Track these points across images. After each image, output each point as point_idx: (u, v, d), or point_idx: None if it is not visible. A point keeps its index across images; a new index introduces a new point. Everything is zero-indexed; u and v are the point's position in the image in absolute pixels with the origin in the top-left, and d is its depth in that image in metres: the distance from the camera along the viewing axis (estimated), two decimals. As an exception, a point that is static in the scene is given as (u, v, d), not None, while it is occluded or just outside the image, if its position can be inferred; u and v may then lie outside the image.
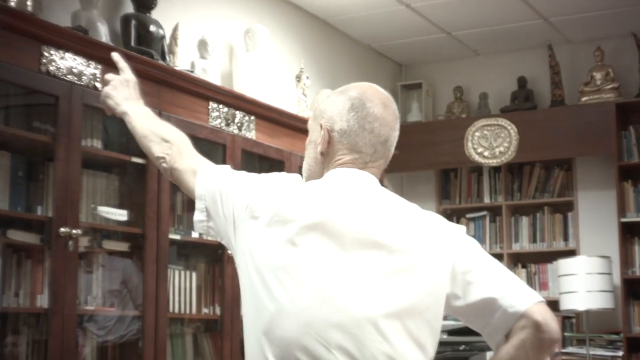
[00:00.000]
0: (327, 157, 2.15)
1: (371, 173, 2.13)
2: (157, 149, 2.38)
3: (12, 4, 4.03)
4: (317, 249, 1.95)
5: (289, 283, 1.94)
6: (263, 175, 2.17)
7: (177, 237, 4.84)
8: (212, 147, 5.16)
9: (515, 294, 2.01)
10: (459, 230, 2.12)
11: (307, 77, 6.42)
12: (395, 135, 2.17)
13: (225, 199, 2.13)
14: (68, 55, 4.15)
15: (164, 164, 2.34)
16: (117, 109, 2.51)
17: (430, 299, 2.00)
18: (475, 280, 2.02)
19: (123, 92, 2.51)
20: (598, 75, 7.32)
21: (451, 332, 4.62)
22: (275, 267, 1.96)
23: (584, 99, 7.30)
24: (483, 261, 2.06)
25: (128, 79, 2.54)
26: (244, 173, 2.20)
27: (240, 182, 2.14)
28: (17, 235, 3.98)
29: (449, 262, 2.03)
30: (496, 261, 2.09)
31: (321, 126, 2.15)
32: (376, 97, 2.15)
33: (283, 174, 2.17)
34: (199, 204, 2.20)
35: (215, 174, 2.21)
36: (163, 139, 2.39)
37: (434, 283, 2.01)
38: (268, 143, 5.50)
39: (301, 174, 2.25)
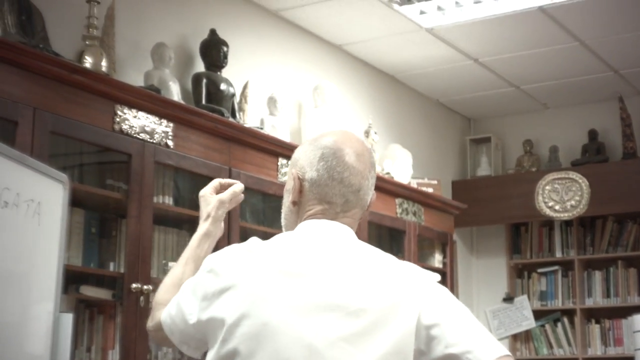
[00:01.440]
0: (299, 207, 2.11)
1: (344, 223, 2.07)
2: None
3: (88, 64, 4.13)
4: (274, 316, 1.89)
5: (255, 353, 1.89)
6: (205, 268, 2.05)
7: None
8: (282, 203, 5.18)
9: (480, 348, 1.91)
10: (428, 280, 2.02)
11: (376, 133, 6.45)
12: (367, 183, 2.10)
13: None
14: (141, 114, 4.24)
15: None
16: (202, 215, 2.44)
17: (396, 358, 1.92)
18: (439, 335, 1.93)
19: (212, 208, 2.43)
20: (671, 127, 7.23)
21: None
22: (238, 336, 1.91)
23: (656, 151, 7.21)
24: (449, 314, 1.97)
25: (224, 201, 2.43)
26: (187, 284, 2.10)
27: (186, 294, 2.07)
28: (89, 291, 4.04)
29: (414, 316, 1.95)
30: (465, 312, 1.99)
31: (293, 175, 2.12)
32: (348, 145, 2.09)
33: (232, 246, 2.07)
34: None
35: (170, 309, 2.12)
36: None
37: (399, 342, 1.93)
38: (337, 198, 5.51)
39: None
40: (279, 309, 1.90)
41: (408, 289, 1.98)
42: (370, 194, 2.13)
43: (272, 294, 1.91)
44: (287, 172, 2.19)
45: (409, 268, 2.05)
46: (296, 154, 2.16)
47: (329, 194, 2.06)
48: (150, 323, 2.20)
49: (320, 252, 2.00)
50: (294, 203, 2.11)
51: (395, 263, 2.05)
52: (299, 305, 1.91)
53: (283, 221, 2.18)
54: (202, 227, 2.40)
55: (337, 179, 2.06)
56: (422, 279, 2.02)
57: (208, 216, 2.40)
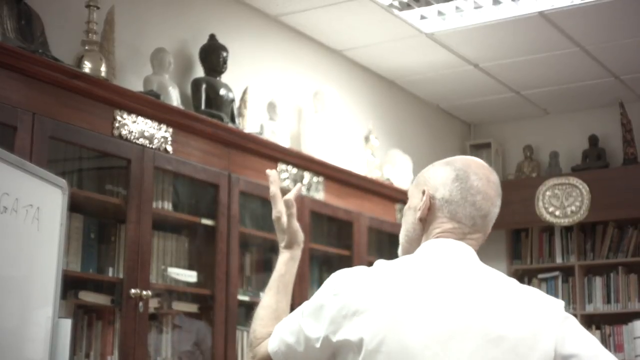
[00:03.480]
0: (426, 224, 2.13)
1: (469, 245, 2.11)
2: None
3: (87, 70, 4.13)
4: (414, 342, 1.90)
5: None
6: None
7: (245, 298, 4.85)
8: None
9: None
10: (559, 308, 2.06)
11: (376, 138, 6.44)
12: (495, 211, 2.15)
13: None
14: (140, 119, 4.23)
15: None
16: (281, 240, 2.43)
17: None
18: None
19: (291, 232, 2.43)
20: (671, 133, 7.22)
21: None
22: None
23: (657, 157, 7.20)
24: (585, 344, 2.02)
25: (280, 211, 2.42)
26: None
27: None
28: (88, 297, 4.03)
29: (551, 345, 1.98)
30: (597, 342, 2.05)
31: (423, 192, 2.13)
32: (481, 171, 2.13)
33: (357, 268, 2.07)
34: None
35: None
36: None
37: None
38: (336, 204, 5.51)
39: (394, 239, 2.25)
40: (419, 335, 1.90)
41: (544, 317, 2.01)
42: (494, 222, 2.18)
43: (410, 319, 1.92)
44: (410, 192, 2.21)
45: (538, 294, 2.08)
46: (426, 174, 2.18)
47: (459, 214, 2.10)
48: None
49: (452, 274, 2.02)
50: (421, 220, 2.13)
51: (522, 288, 2.08)
52: (438, 331, 1.92)
53: (403, 238, 2.20)
54: (285, 254, 2.42)
55: (469, 201, 2.10)
56: (554, 306, 2.06)
57: (290, 242, 2.42)
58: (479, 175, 2.12)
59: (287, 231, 2.40)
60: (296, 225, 2.42)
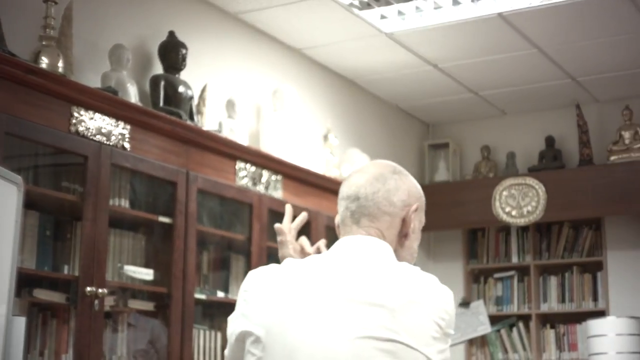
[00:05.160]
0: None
1: (357, 233, 2.12)
2: None
3: (44, 65, 4.09)
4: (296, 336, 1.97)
5: None
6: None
7: (202, 296, 4.84)
8: (239, 206, 5.19)
9: None
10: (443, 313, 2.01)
11: (335, 137, 6.45)
12: (367, 191, 2.13)
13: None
14: (97, 115, 4.20)
15: None
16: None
17: None
18: None
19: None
20: (627, 134, 7.30)
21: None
22: None
23: (612, 158, 7.27)
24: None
25: (284, 241, 2.47)
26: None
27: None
28: (43, 295, 4.00)
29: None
30: None
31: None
32: (361, 168, 2.22)
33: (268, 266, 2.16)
34: None
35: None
36: None
37: None
38: (295, 202, 5.50)
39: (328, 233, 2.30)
40: (302, 329, 1.96)
41: (425, 331, 1.96)
42: (381, 201, 2.13)
43: (298, 313, 1.98)
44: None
45: (428, 286, 2.03)
46: None
47: (341, 215, 2.17)
48: None
49: (346, 270, 2.04)
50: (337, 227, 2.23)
51: (417, 280, 2.03)
52: (320, 325, 1.95)
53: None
54: None
55: (342, 197, 2.18)
56: (441, 305, 2.01)
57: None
58: (354, 171, 2.22)
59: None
60: (292, 249, 2.47)
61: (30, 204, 3.89)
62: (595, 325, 6.79)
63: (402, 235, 2.16)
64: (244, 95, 5.74)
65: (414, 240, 2.19)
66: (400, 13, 5.84)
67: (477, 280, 7.83)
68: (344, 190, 2.18)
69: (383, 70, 6.91)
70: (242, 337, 2.04)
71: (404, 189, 2.17)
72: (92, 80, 4.58)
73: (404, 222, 2.16)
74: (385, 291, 1.97)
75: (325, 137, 6.43)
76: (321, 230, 5.63)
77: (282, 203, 5.41)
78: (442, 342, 1.98)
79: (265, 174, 5.31)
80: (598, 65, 6.78)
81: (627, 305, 7.10)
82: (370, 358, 1.91)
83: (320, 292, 1.99)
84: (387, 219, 2.13)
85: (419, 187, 2.23)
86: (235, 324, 2.08)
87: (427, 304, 1.98)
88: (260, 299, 2.03)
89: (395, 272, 2.03)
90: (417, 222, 2.19)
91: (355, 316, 1.94)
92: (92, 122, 4.18)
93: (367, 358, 1.91)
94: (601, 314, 7.14)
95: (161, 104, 4.92)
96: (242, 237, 5.20)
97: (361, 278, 2.01)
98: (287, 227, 2.47)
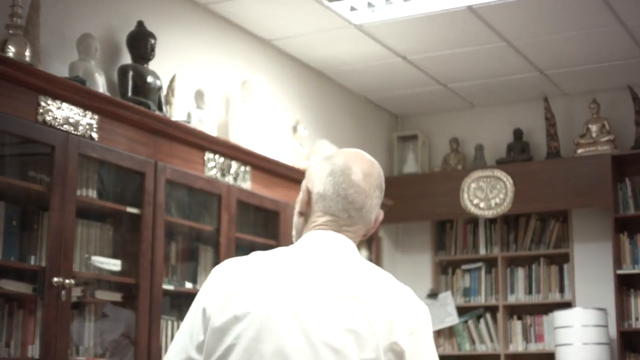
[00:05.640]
0: (306, 218, 2.22)
1: (347, 237, 2.18)
2: None
3: (11, 54, 4.05)
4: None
5: None
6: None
7: (170, 287, 4.82)
8: (208, 197, 5.17)
9: None
10: (417, 315, 2.07)
11: (304, 128, 6.45)
12: (371, 203, 2.20)
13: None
14: (65, 105, 4.17)
15: None
16: None
17: None
18: None
19: None
20: (594, 128, 7.35)
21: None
22: None
23: (579, 151, 7.33)
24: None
25: None
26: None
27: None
28: (9, 285, 3.96)
29: (399, 353, 2.00)
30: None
31: (303, 187, 2.24)
32: (357, 164, 2.20)
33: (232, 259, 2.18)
34: None
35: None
36: None
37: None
38: (263, 194, 5.51)
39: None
40: (276, 320, 1.98)
41: (399, 324, 2.01)
42: (374, 213, 2.23)
43: (270, 304, 2.00)
44: (301, 186, 2.28)
45: (404, 297, 2.09)
46: (310, 168, 2.28)
47: (333, 208, 2.18)
48: None
49: (321, 265, 2.09)
50: (301, 214, 2.23)
51: (390, 286, 2.09)
52: (296, 318, 1.98)
53: (293, 229, 2.29)
54: None
55: (342, 195, 2.17)
56: (413, 313, 2.06)
57: None
58: (353, 169, 2.19)
59: None
60: None
61: (-4, 193, 3.87)
62: (561, 316, 6.85)
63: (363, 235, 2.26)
64: (213, 86, 5.73)
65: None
66: (369, 5, 5.84)
67: (445, 271, 7.87)
68: (344, 181, 2.17)
69: (352, 62, 6.91)
70: (215, 331, 2.02)
71: None
72: (60, 70, 4.55)
73: (372, 227, 2.26)
74: (361, 288, 2.03)
75: (295, 129, 6.42)
76: (290, 222, 5.61)
77: (250, 194, 5.40)
78: (414, 337, 2.03)
79: (234, 165, 5.30)
80: (566, 58, 6.83)
81: (593, 296, 7.16)
82: (344, 348, 1.95)
83: (301, 286, 2.03)
84: (367, 226, 2.23)
85: None
86: (201, 318, 2.07)
87: (400, 304, 2.05)
88: (240, 291, 2.04)
89: (380, 278, 2.11)
90: None
91: (333, 308, 1.99)
92: (60, 112, 4.15)
93: (340, 349, 1.95)
94: (567, 305, 7.20)
95: (129, 94, 4.90)
96: (211, 228, 5.19)
97: (344, 275, 2.07)
98: None
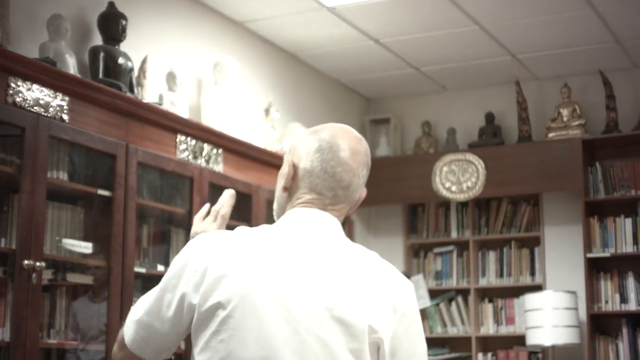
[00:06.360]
0: (290, 193, 2.16)
1: (332, 215, 2.13)
2: None
3: (-21, 34, 4.01)
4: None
5: None
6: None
7: (142, 270, 4.81)
8: (180, 180, 5.15)
9: None
10: (405, 294, 2.06)
11: (276, 111, 6.43)
12: (357, 182, 2.16)
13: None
14: (35, 86, 4.14)
15: None
16: None
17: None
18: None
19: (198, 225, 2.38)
20: (565, 112, 7.38)
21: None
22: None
23: (550, 135, 7.36)
24: (409, 351, 2.03)
25: (226, 217, 2.37)
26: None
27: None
28: (-21, 268, 3.94)
29: (385, 334, 1.98)
30: (423, 350, 2.08)
31: (288, 161, 2.17)
32: (346, 142, 2.15)
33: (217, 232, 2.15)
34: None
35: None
36: None
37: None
38: (236, 176, 5.49)
39: (272, 207, 2.26)
40: (268, 300, 1.94)
41: (386, 305, 2.00)
42: (360, 192, 2.19)
43: (262, 285, 1.96)
44: (284, 157, 2.22)
45: (389, 275, 2.07)
46: (295, 141, 2.20)
47: (319, 186, 2.12)
48: None
49: (308, 244, 2.05)
50: (285, 189, 2.16)
51: (376, 265, 2.08)
52: (286, 298, 1.95)
53: (275, 204, 2.23)
54: None
55: (329, 173, 2.12)
56: (400, 293, 2.04)
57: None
58: (342, 146, 2.14)
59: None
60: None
61: (-35, 175, 3.84)
62: (532, 299, 6.89)
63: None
64: (184, 68, 5.70)
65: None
66: (342, -13, 5.83)
67: (416, 254, 7.90)
68: (332, 159, 2.12)
69: (325, 45, 6.90)
70: (199, 317, 1.99)
71: None
72: (30, 51, 4.51)
73: (354, 206, 2.22)
74: (349, 271, 2.01)
75: (267, 111, 6.41)
76: (262, 205, 5.62)
77: (222, 177, 5.39)
78: (403, 319, 2.02)
79: (206, 147, 5.28)
80: (537, 42, 6.85)
81: (563, 279, 7.21)
82: (331, 337, 1.93)
83: (288, 270, 1.99)
84: (352, 205, 2.19)
85: None
86: (182, 295, 2.02)
87: (387, 286, 2.03)
88: (226, 275, 1.99)
89: (367, 259, 2.08)
90: None
91: (320, 293, 1.96)
92: (30, 93, 4.11)
93: (325, 328, 1.93)
94: (538, 288, 7.25)
95: (100, 75, 4.86)
96: (183, 210, 5.17)
97: (330, 258, 2.04)
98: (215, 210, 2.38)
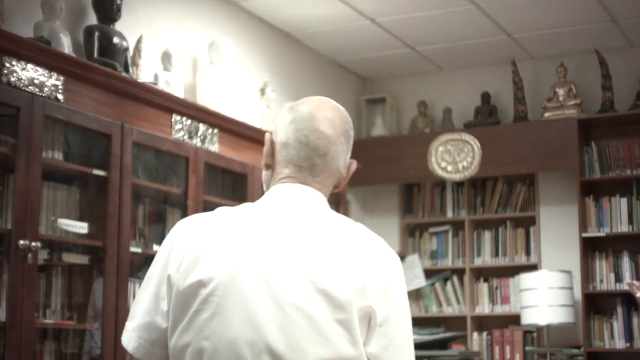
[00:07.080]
0: (273, 170, 2.15)
1: (315, 189, 2.10)
2: None
3: (-27, 14, 3.99)
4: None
5: None
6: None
7: (137, 250, 4.81)
8: (175, 159, 5.15)
9: None
10: (390, 266, 2.03)
11: (272, 91, 6.42)
12: (336, 149, 2.11)
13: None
14: (30, 66, 4.12)
15: None
16: None
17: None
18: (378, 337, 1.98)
19: None
20: (561, 92, 7.38)
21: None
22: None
23: (546, 114, 7.36)
24: (392, 323, 2.01)
25: None
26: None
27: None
28: (-25, 248, 3.94)
29: (371, 306, 1.96)
30: (404, 317, 2.07)
31: (267, 138, 2.16)
32: (320, 111, 2.12)
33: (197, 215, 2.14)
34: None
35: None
36: None
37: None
38: (231, 156, 5.49)
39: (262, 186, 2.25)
40: (249, 276, 1.92)
41: (372, 277, 1.97)
42: (342, 161, 2.14)
43: (242, 261, 1.94)
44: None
45: (376, 247, 2.04)
46: (276, 118, 2.19)
47: (295, 157, 2.09)
48: None
49: (289, 219, 2.03)
50: (267, 166, 2.15)
51: (362, 237, 2.04)
52: (268, 273, 1.93)
53: (264, 186, 2.20)
54: None
55: (303, 142, 2.08)
56: (386, 265, 2.02)
57: None
58: (315, 115, 2.11)
59: None
60: None
61: (-40, 155, 3.83)
62: (527, 278, 6.91)
63: (334, 186, 2.18)
64: (180, 48, 5.68)
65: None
66: (338, -34, 5.80)
67: (412, 234, 7.91)
68: (306, 127, 2.09)
69: (320, 24, 6.88)
70: (180, 295, 1.96)
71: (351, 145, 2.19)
72: (24, 30, 4.49)
73: (344, 179, 2.19)
74: (331, 244, 1.99)
75: (262, 91, 6.39)
76: (258, 184, 5.61)
77: (218, 157, 5.38)
78: (388, 293, 2.00)
79: (202, 127, 5.27)
80: (534, 22, 6.84)
81: (558, 259, 7.23)
82: (315, 311, 1.91)
83: (268, 245, 1.97)
84: (336, 176, 2.15)
85: None
86: (166, 285, 2.00)
87: (373, 257, 2.00)
88: (205, 253, 1.97)
89: (351, 231, 2.05)
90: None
91: (302, 267, 1.94)
92: (25, 73, 4.10)
93: (309, 301, 1.91)
94: (533, 267, 7.27)
95: (95, 55, 4.85)
96: (178, 190, 5.17)
97: (311, 231, 2.01)
98: None
